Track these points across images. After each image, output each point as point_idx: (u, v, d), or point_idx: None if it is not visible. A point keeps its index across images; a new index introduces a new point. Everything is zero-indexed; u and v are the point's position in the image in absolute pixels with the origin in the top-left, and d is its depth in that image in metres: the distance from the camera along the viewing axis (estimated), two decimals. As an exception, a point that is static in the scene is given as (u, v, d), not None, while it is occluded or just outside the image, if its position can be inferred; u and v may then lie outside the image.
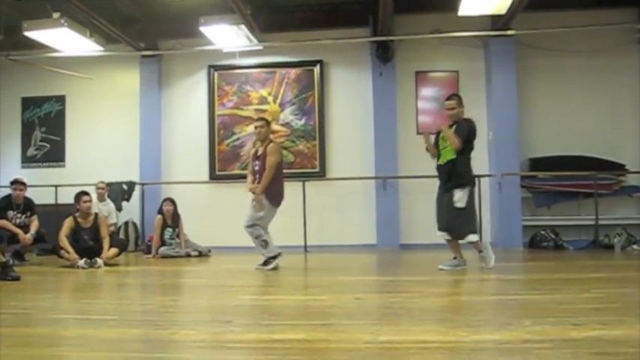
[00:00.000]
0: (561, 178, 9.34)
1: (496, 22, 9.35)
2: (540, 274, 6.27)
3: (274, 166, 6.59)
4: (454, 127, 6.18)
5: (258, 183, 6.58)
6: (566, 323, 3.30)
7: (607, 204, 9.40)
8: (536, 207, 9.66)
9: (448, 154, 6.17)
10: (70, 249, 7.24)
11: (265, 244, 6.58)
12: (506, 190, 9.38)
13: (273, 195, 6.64)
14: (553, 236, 9.21)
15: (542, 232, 9.30)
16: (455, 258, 6.22)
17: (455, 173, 6.11)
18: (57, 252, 7.45)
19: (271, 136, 7.18)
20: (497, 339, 2.99)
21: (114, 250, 7.54)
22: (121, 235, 9.69)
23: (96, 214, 7.79)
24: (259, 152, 6.77)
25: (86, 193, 7.74)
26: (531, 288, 5.13)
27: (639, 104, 9.70)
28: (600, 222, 9.11)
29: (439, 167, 6.31)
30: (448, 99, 6.44)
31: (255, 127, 6.93)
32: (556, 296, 4.42)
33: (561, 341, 2.91)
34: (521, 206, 9.46)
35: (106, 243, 7.52)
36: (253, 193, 6.62)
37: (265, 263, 6.56)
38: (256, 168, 6.73)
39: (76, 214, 7.63)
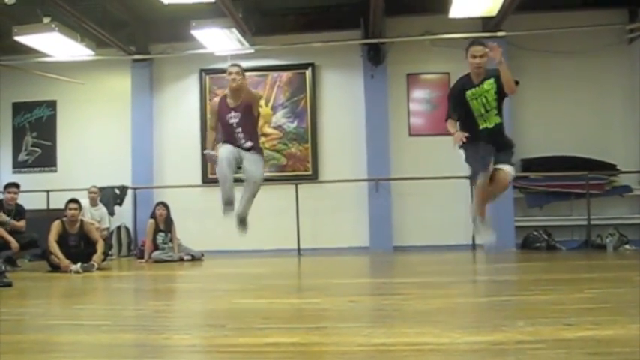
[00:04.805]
0: (553, 179, 9.37)
1: (487, 23, 9.38)
2: (533, 274, 6.29)
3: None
4: (486, 82, 5.33)
5: (244, 137, 5.87)
6: (559, 323, 3.30)
7: (599, 204, 9.43)
8: (528, 208, 9.68)
9: (495, 118, 5.41)
10: (61, 255, 7.23)
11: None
12: (499, 191, 9.39)
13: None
14: (545, 237, 9.24)
15: (535, 233, 9.32)
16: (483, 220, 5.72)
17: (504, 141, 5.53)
18: (46, 257, 7.45)
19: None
20: (491, 340, 3.00)
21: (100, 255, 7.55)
22: (114, 240, 9.68)
23: (82, 221, 7.78)
24: (232, 104, 5.92)
25: (75, 201, 7.73)
26: (524, 289, 5.15)
27: (630, 105, 9.75)
28: (592, 222, 9.15)
29: (485, 130, 5.39)
30: (475, 44, 5.35)
31: (230, 73, 5.90)
32: (549, 296, 4.43)
33: (554, 341, 2.92)
34: (514, 207, 9.48)
35: (99, 246, 7.56)
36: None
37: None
38: (233, 120, 5.87)
39: (64, 219, 7.62)
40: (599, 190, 9.40)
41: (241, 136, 5.85)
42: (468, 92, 5.34)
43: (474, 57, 5.29)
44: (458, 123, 5.45)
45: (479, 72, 5.31)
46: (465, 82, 5.42)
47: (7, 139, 11.08)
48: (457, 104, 5.43)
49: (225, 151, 5.77)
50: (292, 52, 10.16)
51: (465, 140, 5.16)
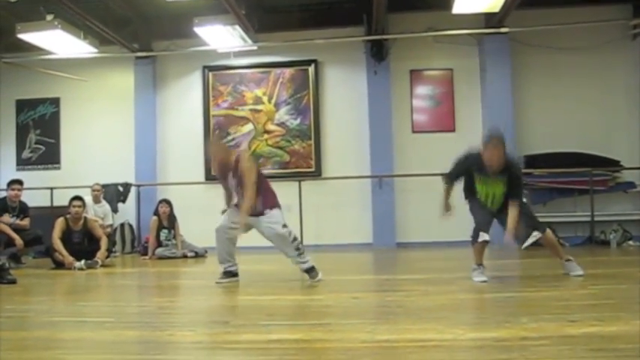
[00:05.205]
0: (557, 175, 9.34)
1: (490, 19, 9.37)
2: (537, 270, 6.28)
3: (254, 178, 5.47)
4: (499, 179, 5.15)
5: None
6: (563, 320, 3.30)
7: (602, 200, 9.41)
8: (532, 204, 9.64)
9: (500, 207, 5.28)
10: (65, 252, 7.25)
11: (301, 246, 5.62)
12: (502, 187, 9.38)
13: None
14: (549, 233, 9.21)
15: (538, 229, 9.30)
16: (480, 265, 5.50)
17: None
18: (50, 254, 7.48)
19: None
20: (495, 336, 3.00)
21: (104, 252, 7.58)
22: (117, 237, 9.70)
23: (85, 218, 7.80)
24: (228, 165, 5.64)
25: (78, 198, 7.75)
26: (528, 285, 5.14)
27: (633, 100, 9.72)
28: (596, 218, 9.14)
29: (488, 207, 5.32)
30: (495, 142, 5.02)
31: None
32: (552, 293, 4.43)
33: (558, 338, 2.91)
34: (517, 203, 9.46)
35: (103, 243, 7.59)
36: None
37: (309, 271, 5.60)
38: (231, 179, 5.63)
39: (68, 216, 7.64)
40: (603, 186, 9.37)
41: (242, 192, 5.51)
42: (477, 176, 5.22)
43: (491, 158, 5.02)
44: (466, 191, 5.41)
45: (493, 170, 5.10)
46: (475, 164, 5.18)
47: (11, 137, 11.10)
48: (462, 174, 5.35)
49: (224, 226, 5.73)
50: (295, 48, 10.15)
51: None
